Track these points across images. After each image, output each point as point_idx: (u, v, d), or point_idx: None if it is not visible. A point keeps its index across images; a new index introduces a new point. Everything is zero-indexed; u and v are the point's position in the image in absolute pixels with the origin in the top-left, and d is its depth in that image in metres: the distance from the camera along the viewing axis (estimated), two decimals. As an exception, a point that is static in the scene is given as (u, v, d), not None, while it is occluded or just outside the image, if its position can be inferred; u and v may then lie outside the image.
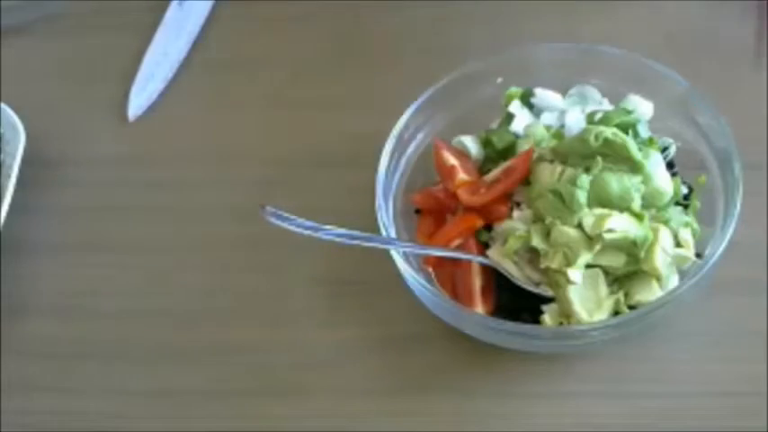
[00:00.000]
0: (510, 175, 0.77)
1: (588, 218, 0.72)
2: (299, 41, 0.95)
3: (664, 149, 0.78)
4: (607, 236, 0.71)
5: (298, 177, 0.87)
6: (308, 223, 0.72)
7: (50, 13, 1.01)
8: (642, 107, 0.80)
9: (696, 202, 0.76)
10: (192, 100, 0.94)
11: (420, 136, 0.82)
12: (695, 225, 0.75)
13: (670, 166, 0.78)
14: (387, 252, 0.81)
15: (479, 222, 0.77)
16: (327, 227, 0.72)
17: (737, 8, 0.91)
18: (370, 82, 0.87)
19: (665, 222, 0.74)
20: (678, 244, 0.74)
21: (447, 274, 0.77)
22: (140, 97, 0.93)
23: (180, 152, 0.91)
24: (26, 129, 0.87)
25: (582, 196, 0.72)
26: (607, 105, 0.81)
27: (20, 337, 0.82)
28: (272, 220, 0.71)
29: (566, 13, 0.93)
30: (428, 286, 0.74)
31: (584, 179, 0.73)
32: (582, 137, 0.74)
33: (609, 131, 0.74)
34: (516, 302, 0.75)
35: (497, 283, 0.76)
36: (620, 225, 0.71)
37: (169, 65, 0.95)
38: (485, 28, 0.94)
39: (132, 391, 0.78)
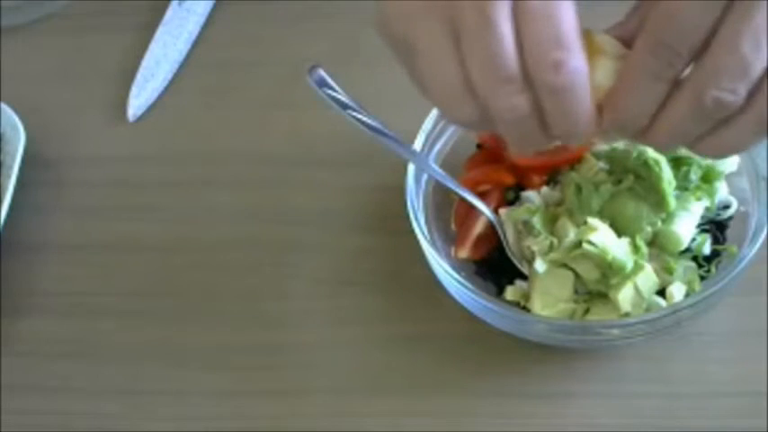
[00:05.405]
0: (560, 153, 0.76)
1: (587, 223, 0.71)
2: (299, 41, 0.95)
3: (724, 207, 0.75)
4: (586, 246, 0.70)
5: (298, 177, 0.87)
6: (343, 99, 0.72)
7: (50, 13, 1.00)
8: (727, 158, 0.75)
9: (714, 270, 0.73)
10: (191, 100, 0.94)
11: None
12: (697, 287, 0.72)
13: (719, 226, 0.75)
14: (386, 252, 0.81)
15: (509, 180, 0.77)
16: (357, 112, 0.72)
17: None
18: (371, 82, 0.87)
19: (671, 270, 0.71)
20: (663, 293, 0.72)
21: (466, 207, 0.77)
22: (140, 97, 0.93)
23: (180, 152, 0.91)
24: (26, 129, 0.87)
25: (596, 203, 0.72)
26: None
27: (20, 337, 0.82)
28: (314, 85, 0.70)
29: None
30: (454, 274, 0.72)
31: (607, 189, 0.72)
32: (628, 150, 0.73)
33: (651, 156, 0.71)
34: (500, 268, 0.75)
35: (497, 243, 0.76)
36: (603, 242, 0.70)
37: (169, 65, 0.95)
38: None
39: (132, 391, 0.78)
